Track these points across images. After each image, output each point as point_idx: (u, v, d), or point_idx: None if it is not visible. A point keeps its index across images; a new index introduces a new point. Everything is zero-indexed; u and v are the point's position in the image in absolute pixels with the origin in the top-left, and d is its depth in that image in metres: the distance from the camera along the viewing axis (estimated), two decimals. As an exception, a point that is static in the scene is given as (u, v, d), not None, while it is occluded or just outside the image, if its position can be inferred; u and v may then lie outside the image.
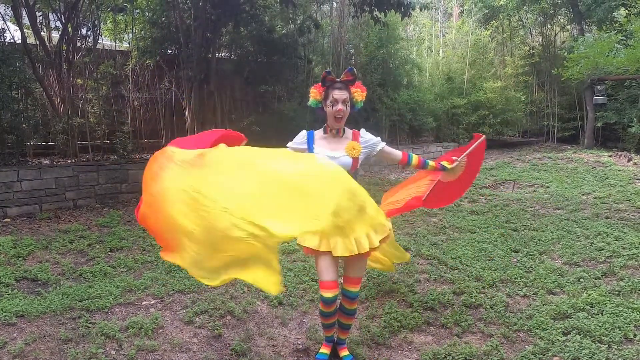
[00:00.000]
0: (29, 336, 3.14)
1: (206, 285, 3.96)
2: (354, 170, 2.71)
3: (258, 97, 9.39)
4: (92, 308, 3.57)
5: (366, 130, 2.87)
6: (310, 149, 2.75)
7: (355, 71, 2.72)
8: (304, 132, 2.83)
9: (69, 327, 3.30)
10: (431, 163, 3.03)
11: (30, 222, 5.89)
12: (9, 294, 3.79)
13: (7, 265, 4.38)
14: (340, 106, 2.66)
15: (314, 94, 2.78)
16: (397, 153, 2.91)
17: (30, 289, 3.98)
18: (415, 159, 2.94)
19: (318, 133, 2.82)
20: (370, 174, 9.93)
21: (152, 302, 3.79)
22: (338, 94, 2.66)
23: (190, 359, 3.00)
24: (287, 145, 2.81)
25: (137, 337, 3.21)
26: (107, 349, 3.05)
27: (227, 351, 3.09)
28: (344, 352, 2.95)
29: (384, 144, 2.88)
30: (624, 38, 12.13)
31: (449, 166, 3.09)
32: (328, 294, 2.64)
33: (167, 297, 3.85)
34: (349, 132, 2.81)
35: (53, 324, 3.35)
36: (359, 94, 2.74)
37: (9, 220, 5.94)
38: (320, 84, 2.76)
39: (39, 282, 4.11)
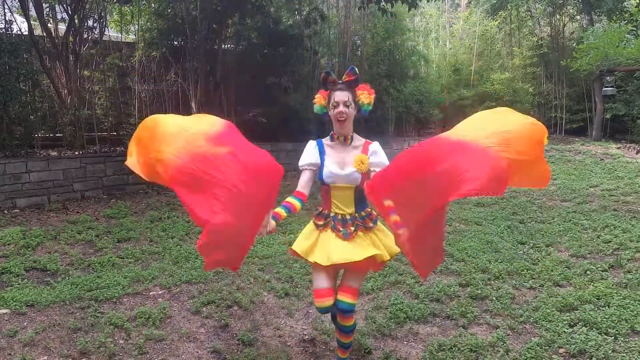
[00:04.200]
0: (39, 325, 3.19)
1: (212, 276, 3.98)
2: (363, 185, 2.45)
3: (264, 88, 9.38)
4: (101, 298, 3.61)
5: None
6: (322, 161, 2.56)
7: (357, 70, 2.53)
8: (312, 144, 2.62)
9: (78, 317, 3.34)
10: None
11: (39, 213, 5.95)
12: (19, 284, 3.84)
13: (17, 256, 4.43)
14: (341, 108, 2.48)
15: (318, 99, 2.62)
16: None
17: (39, 279, 4.03)
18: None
19: (326, 141, 2.63)
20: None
21: (160, 292, 3.82)
22: (339, 95, 2.48)
23: (197, 349, 3.03)
24: (300, 165, 2.60)
25: (145, 326, 3.24)
26: (116, 338, 3.09)
27: (234, 341, 3.12)
28: None
29: (384, 165, 2.53)
30: (635, 28, 11.98)
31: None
32: (320, 304, 2.52)
33: (174, 288, 3.88)
34: (359, 140, 2.60)
35: (62, 313, 3.39)
36: (366, 96, 2.55)
37: (18, 211, 6.00)
38: (322, 88, 2.60)
39: (48, 272, 4.15)
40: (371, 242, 2.55)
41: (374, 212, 2.60)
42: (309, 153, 2.60)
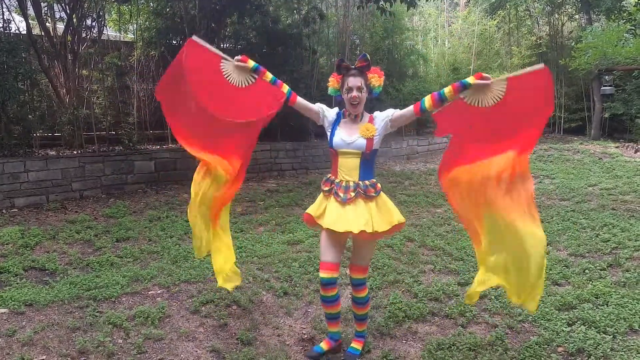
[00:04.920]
0: (37, 324, 3.18)
1: (211, 275, 3.98)
2: (369, 151, 2.72)
3: (263, 88, 9.35)
4: (100, 297, 3.61)
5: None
6: (334, 127, 2.80)
7: (369, 57, 2.71)
8: (336, 109, 2.89)
9: (77, 316, 3.34)
10: (447, 89, 2.57)
11: (38, 213, 5.94)
12: (17, 283, 3.84)
13: (16, 255, 4.43)
14: (355, 93, 2.68)
15: (332, 82, 2.82)
16: (409, 110, 2.74)
17: (38, 278, 4.02)
18: (428, 101, 2.61)
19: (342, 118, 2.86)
20: (375, 164, 9.91)
21: (159, 291, 3.82)
22: (352, 81, 2.68)
23: (196, 348, 3.03)
24: (320, 105, 2.88)
25: (144, 326, 3.24)
26: (115, 337, 3.09)
27: (233, 340, 3.12)
28: (354, 344, 2.95)
29: (394, 110, 2.80)
30: (633, 27, 11.99)
31: (472, 81, 2.48)
32: (324, 274, 2.70)
33: (173, 287, 3.88)
34: (366, 116, 2.83)
35: (61, 312, 3.38)
36: (376, 79, 2.74)
37: (16, 210, 5.99)
38: (336, 72, 2.79)
39: (47, 271, 4.15)
40: (369, 211, 2.68)
41: (378, 184, 2.77)
42: (331, 112, 2.85)
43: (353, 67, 2.71)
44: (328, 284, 2.70)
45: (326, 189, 2.79)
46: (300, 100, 2.82)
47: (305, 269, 4.25)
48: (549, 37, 14.34)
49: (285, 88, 2.77)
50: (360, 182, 2.71)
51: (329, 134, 2.81)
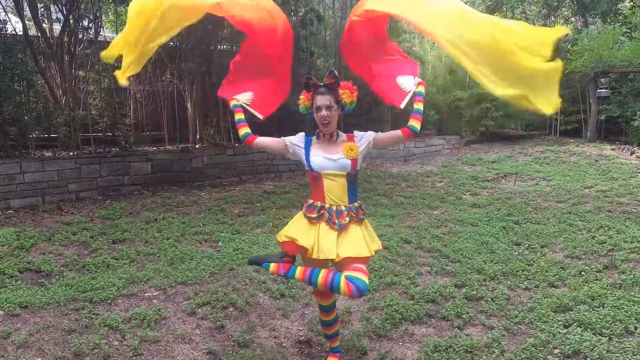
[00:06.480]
0: (32, 327, 3.17)
1: (208, 277, 3.97)
2: (354, 172, 2.58)
3: (260, 89, 9.36)
4: (96, 299, 3.59)
5: (364, 127, 2.75)
6: (306, 151, 2.65)
7: (336, 73, 2.56)
8: (302, 134, 2.75)
9: (73, 318, 3.32)
10: (419, 105, 2.63)
11: (33, 214, 5.91)
12: (12, 285, 3.82)
13: (11, 257, 4.40)
14: (324, 112, 2.54)
15: (303, 100, 2.69)
16: (396, 134, 2.64)
17: (33, 280, 4.00)
18: (417, 123, 2.56)
19: (314, 139, 2.70)
20: (372, 166, 9.92)
21: (155, 293, 3.81)
22: (320, 99, 2.55)
23: (192, 350, 3.02)
24: (284, 138, 2.74)
25: (140, 328, 3.23)
26: (111, 339, 3.07)
27: (230, 342, 3.11)
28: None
29: (375, 133, 2.68)
30: (629, 30, 12.06)
31: (420, 89, 2.70)
32: (326, 302, 2.74)
33: (169, 289, 3.87)
34: (342, 135, 2.68)
35: (57, 314, 3.37)
36: (348, 95, 2.59)
37: (12, 212, 5.97)
38: (305, 90, 2.67)
39: (43, 273, 4.13)
40: (363, 236, 2.56)
41: (363, 206, 2.66)
42: (297, 137, 2.73)
43: (321, 84, 2.57)
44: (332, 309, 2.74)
45: (313, 216, 2.55)
46: (260, 140, 2.73)
47: (302, 270, 4.24)
48: (545, 39, 14.40)
49: (243, 131, 2.74)
50: (351, 206, 2.57)
51: (303, 158, 2.65)
